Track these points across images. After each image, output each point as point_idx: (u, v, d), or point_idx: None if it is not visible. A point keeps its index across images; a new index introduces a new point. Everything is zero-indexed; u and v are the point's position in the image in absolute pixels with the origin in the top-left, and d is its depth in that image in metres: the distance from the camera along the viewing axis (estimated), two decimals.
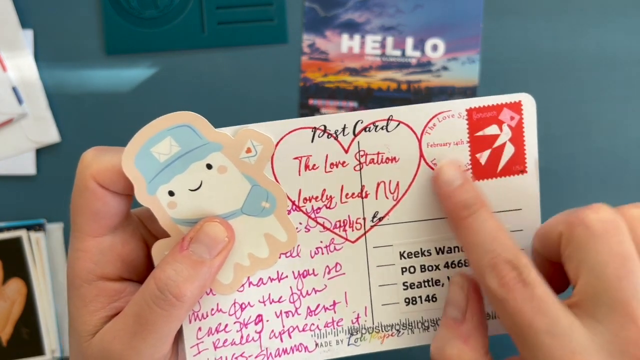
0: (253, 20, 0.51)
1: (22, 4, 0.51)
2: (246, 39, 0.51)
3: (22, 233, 0.52)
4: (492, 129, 0.26)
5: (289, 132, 0.25)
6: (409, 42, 0.51)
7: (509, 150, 0.27)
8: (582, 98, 0.51)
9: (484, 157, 0.27)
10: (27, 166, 0.52)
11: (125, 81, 0.52)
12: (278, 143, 0.25)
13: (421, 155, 0.26)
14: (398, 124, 0.26)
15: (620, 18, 0.50)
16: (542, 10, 0.51)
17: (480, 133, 0.26)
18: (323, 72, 0.52)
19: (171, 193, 0.25)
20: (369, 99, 0.52)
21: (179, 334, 0.26)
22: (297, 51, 0.52)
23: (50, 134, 0.51)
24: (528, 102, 0.26)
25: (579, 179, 0.52)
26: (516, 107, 0.26)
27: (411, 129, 0.26)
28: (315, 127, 0.26)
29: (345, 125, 0.26)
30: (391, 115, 0.26)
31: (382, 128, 0.26)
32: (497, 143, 0.27)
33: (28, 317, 0.53)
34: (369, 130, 0.26)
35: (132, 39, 0.51)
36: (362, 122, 0.26)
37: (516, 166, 0.27)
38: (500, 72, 0.51)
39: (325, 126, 0.26)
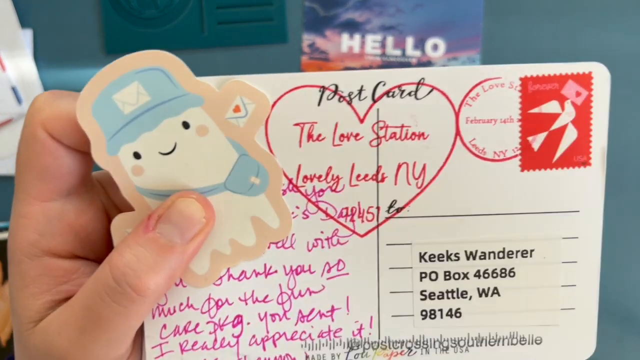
0: (253, 20, 0.52)
1: (22, 4, 0.52)
2: (246, 39, 0.53)
3: None
4: (551, 106, 0.22)
5: (290, 90, 0.21)
6: (409, 41, 0.53)
7: (570, 135, 0.22)
8: None
9: (537, 141, 0.22)
10: None
11: None
12: (275, 103, 0.21)
13: (457, 133, 0.22)
14: (431, 90, 0.21)
15: (620, 18, 0.52)
16: (542, 10, 0.52)
17: (535, 110, 0.22)
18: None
19: (137, 155, 0.21)
20: None
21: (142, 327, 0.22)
22: (297, 51, 0.53)
23: None
24: (601, 74, 0.22)
25: None
26: (585, 80, 0.22)
27: (447, 97, 0.21)
28: (324, 87, 0.21)
29: (362, 86, 0.21)
30: (423, 78, 0.21)
31: (409, 94, 0.21)
32: (557, 125, 0.22)
33: None
34: (393, 96, 0.21)
35: (132, 39, 0.52)
36: (384, 85, 0.21)
37: (578, 156, 0.22)
38: None
39: (336, 86, 0.21)
